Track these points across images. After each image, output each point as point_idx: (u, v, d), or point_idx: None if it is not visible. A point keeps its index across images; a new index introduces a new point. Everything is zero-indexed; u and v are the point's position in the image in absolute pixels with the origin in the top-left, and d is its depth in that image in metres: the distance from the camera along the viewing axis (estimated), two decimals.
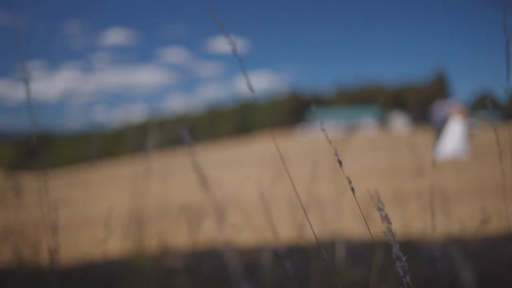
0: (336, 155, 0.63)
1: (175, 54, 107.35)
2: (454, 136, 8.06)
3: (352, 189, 0.63)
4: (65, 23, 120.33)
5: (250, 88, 0.66)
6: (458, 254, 0.52)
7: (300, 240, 2.12)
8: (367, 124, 48.62)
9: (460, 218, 2.56)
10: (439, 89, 56.58)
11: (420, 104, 57.11)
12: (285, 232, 2.82)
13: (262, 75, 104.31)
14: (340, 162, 0.63)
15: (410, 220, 2.53)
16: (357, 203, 0.64)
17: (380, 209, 0.58)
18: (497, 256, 1.90)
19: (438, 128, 8.47)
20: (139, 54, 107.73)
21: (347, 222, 3.21)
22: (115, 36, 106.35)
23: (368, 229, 0.69)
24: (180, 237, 2.73)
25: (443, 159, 7.36)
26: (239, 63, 0.64)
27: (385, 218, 0.58)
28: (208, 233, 3.46)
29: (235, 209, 4.22)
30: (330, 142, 0.65)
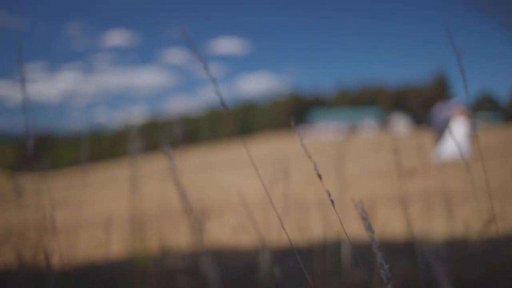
0: (316, 169, 0.62)
1: (176, 56, 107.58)
2: (456, 137, 8.05)
3: (332, 201, 0.62)
4: (66, 24, 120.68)
5: (223, 103, 0.66)
6: (436, 259, 0.51)
7: (301, 241, 2.11)
8: (368, 126, 48.64)
9: (463, 219, 2.55)
10: (440, 90, 56.59)
11: (421, 106, 57.11)
12: (288, 231, 2.81)
13: (263, 76, 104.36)
14: (320, 176, 0.63)
15: (412, 221, 2.52)
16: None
17: (364, 219, 0.57)
18: (498, 257, 1.90)
19: (440, 130, 8.56)
20: (140, 55, 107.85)
21: (348, 223, 3.20)
22: (116, 38, 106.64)
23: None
24: (180, 238, 2.73)
25: (445, 160, 7.43)
26: (212, 82, 0.65)
27: (368, 228, 0.58)
28: (209, 233, 3.45)
29: (236, 210, 4.22)
30: (306, 152, 0.64)
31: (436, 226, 2.43)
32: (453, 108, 8.46)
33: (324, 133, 38.76)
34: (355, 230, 3.17)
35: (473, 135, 8.58)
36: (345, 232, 0.66)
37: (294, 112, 61.38)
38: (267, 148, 22.33)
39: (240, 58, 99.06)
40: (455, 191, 4.34)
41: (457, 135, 8.11)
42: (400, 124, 53.71)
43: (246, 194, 5.67)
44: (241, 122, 65.19)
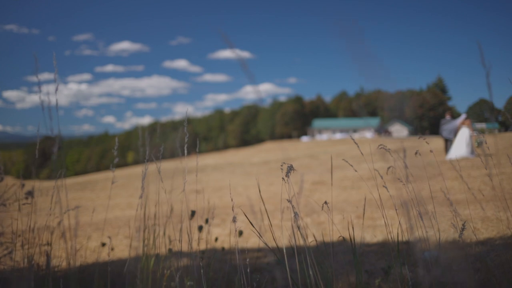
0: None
1: (181, 66, 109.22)
2: (461, 142, 9.47)
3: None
4: (77, 36, 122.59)
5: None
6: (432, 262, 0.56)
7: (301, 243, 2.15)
8: (368, 133, 49.37)
9: (464, 222, 2.58)
10: (438, 97, 57.23)
11: (420, 112, 57.50)
12: (288, 233, 2.85)
13: (267, 87, 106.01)
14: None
15: (413, 223, 2.54)
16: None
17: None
18: (497, 258, 1.92)
19: (449, 136, 10.18)
20: (147, 66, 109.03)
21: (350, 226, 3.24)
22: (124, 49, 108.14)
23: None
24: (185, 239, 2.78)
25: (454, 159, 8.37)
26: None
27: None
28: (213, 235, 3.49)
29: (239, 212, 4.25)
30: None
31: (436, 229, 2.45)
32: (460, 120, 10.05)
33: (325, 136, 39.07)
34: (357, 232, 3.20)
35: (477, 140, 9.34)
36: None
37: (297, 118, 62.00)
38: (270, 153, 22.27)
39: (243, 70, 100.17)
40: (458, 192, 4.36)
41: (463, 139, 9.46)
42: (399, 131, 54.19)
43: (249, 196, 5.69)
44: (246, 127, 65.58)
